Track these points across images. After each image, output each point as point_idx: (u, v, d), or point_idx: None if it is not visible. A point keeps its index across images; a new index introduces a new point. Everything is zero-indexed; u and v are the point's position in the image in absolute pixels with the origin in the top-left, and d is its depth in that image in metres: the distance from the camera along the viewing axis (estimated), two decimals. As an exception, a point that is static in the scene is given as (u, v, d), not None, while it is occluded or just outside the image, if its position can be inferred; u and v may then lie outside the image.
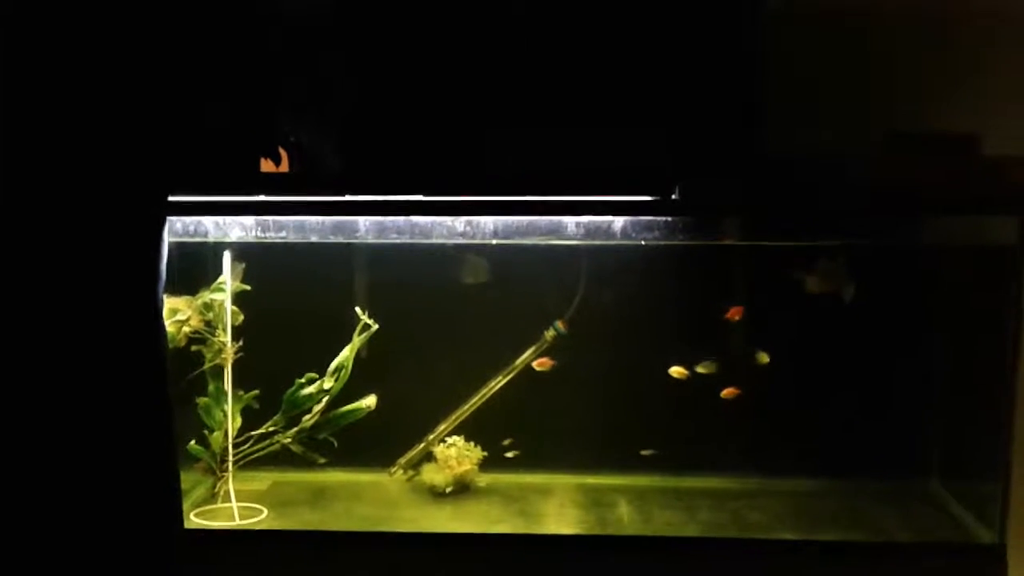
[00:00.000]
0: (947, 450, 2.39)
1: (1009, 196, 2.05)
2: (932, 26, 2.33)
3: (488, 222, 2.21)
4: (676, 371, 2.40)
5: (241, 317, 2.34)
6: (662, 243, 2.21)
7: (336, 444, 2.40)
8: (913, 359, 2.40)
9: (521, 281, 2.45)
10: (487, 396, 2.48)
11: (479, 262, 2.43)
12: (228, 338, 2.30)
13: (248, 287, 2.34)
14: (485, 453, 2.45)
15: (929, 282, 2.38)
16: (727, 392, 2.39)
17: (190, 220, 2.24)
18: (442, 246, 2.29)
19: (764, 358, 2.39)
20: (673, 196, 2.08)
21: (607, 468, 2.49)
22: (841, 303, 2.34)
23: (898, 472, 2.41)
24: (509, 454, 2.47)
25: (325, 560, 2.17)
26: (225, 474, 2.33)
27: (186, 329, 2.27)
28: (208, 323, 2.29)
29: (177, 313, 2.25)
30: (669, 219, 2.17)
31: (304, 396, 2.39)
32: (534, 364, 2.46)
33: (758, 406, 2.43)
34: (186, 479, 2.22)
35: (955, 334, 2.35)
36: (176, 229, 2.22)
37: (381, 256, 2.43)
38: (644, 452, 2.45)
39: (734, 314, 2.40)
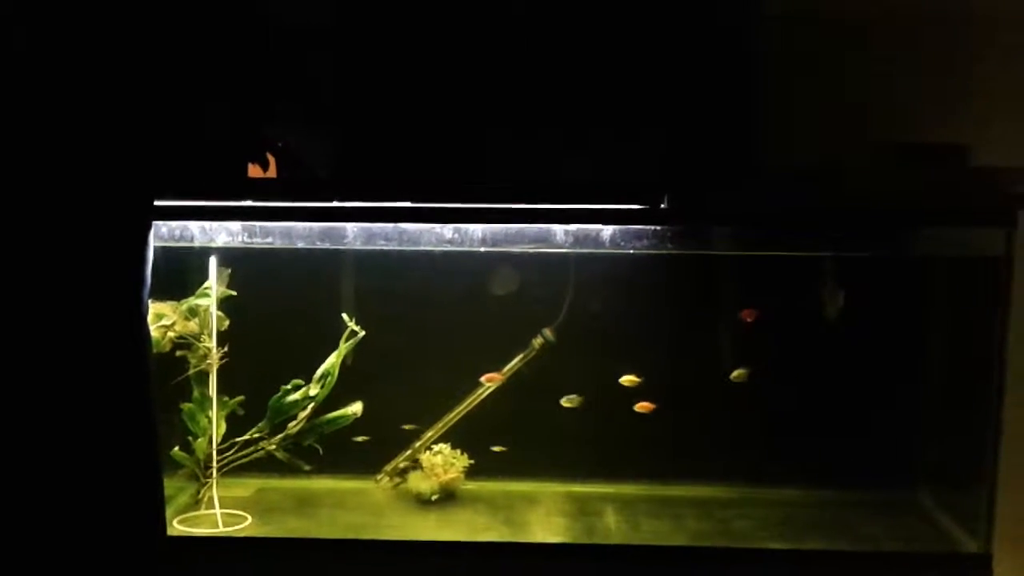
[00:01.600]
0: (934, 460, 2.39)
1: (998, 208, 2.06)
2: (933, 32, 2.34)
3: (477, 230, 2.20)
4: (627, 380, 2.40)
5: (227, 323, 2.32)
6: (650, 252, 2.21)
7: (321, 451, 2.38)
8: (901, 369, 2.41)
9: (510, 289, 2.45)
10: (474, 404, 2.47)
11: (510, 273, 2.42)
12: (213, 344, 2.29)
13: (234, 292, 2.33)
14: (471, 461, 2.44)
15: (917, 293, 2.39)
16: (641, 406, 2.39)
17: (176, 225, 2.22)
18: (429, 253, 2.28)
19: (742, 375, 2.39)
20: (663, 205, 2.08)
21: (594, 476, 2.49)
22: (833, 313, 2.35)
23: (885, 482, 2.41)
24: (497, 448, 2.45)
25: (309, 568, 2.16)
26: (209, 480, 2.32)
27: (171, 334, 2.25)
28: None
29: (162, 318, 2.23)
30: (658, 228, 2.16)
31: (289, 403, 2.37)
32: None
33: (745, 415, 2.43)
34: (170, 485, 2.20)
35: (943, 344, 2.36)
36: (162, 234, 2.21)
37: (368, 263, 2.43)
38: (495, 448, 2.44)
39: (747, 316, 2.39)
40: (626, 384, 2.39)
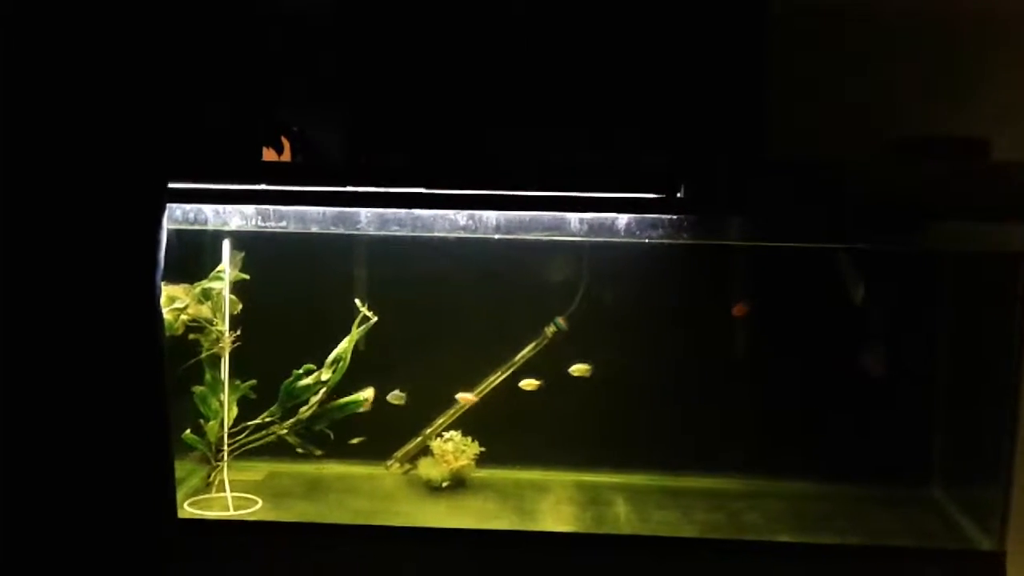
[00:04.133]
0: (949, 456, 2.38)
1: (1015, 202, 2.04)
2: (936, 29, 2.31)
3: (491, 217, 2.19)
4: (527, 384, 2.40)
5: (239, 306, 2.32)
6: (665, 241, 2.19)
7: (332, 436, 2.38)
8: (916, 364, 2.39)
9: (523, 276, 2.44)
10: (486, 391, 2.46)
11: (561, 262, 2.43)
12: (226, 327, 2.29)
13: (247, 276, 2.32)
14: (482, 448, 2.44)
15: (933, 287, 2.37)
16: (462, 397, 2.41)
17: (190, 207, 2.22)
18: (443, 240, 2.27)
19: (584, 370, 2.38)
20: (678, 194, 2.07)
21: (605, 466, 2.48)
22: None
23: (900, 477, 2.40)
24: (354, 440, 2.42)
25: (319, 552, 2.16)
26: (220, 464, 2.32)
27: (184, 317, 2.25)
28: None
29: (175, 301, 2.23)
30: (673, 217, 2.15)
31: (301, 387, 2.37)
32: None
33: (758, 408, 2.42)
34: (181, 468, 2.21)
35: (959, 339, 2.34)
36: (175, 216, 2.20)
37: (381, 248, 2.42)
38: (354, 440, 2.41)
39: (739, 311, 2.38)
40: (526, 388, 2.40)
